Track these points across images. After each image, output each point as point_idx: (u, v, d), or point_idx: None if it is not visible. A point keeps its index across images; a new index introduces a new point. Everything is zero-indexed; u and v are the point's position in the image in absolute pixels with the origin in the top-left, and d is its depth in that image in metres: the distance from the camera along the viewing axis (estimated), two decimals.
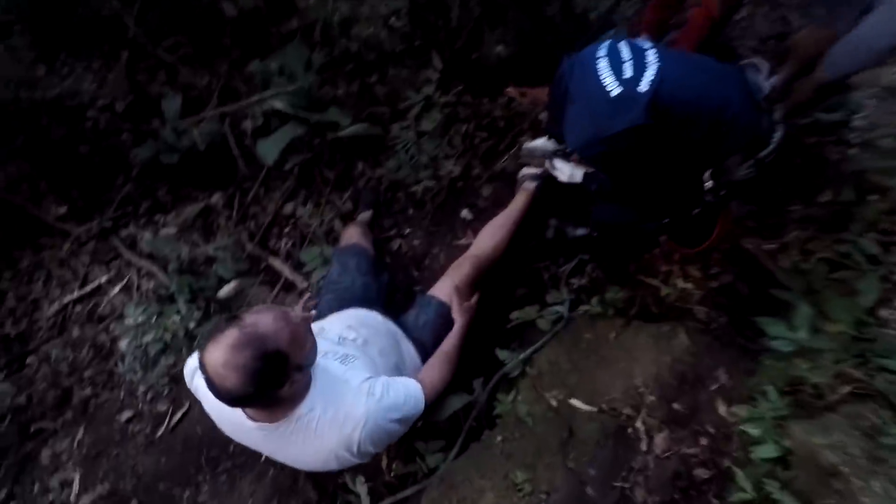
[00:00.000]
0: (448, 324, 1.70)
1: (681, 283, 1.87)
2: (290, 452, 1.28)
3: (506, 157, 2.27)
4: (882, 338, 1.36)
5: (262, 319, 1.12)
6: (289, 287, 2.28)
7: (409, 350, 1.64)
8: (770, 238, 1.91)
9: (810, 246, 1.83)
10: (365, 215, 2.28)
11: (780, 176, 1.99)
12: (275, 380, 1.14)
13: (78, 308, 2.62)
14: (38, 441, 2.04)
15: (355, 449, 1.22)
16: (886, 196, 1.71)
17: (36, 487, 1.86)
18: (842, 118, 2.01)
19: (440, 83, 2.35)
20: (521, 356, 1.56)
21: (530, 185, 2.05)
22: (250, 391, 1.10)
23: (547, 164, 1.89)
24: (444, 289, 1.78)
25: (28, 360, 2.42)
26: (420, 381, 1.38)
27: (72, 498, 1.79)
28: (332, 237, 2.36)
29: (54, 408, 2.12)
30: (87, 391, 2.14)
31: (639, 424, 1.31)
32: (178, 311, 2.21)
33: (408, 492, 1.37)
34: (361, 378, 1.29)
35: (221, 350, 1.07)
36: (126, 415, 1.96)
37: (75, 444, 1.96)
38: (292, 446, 1.24)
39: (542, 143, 2.06)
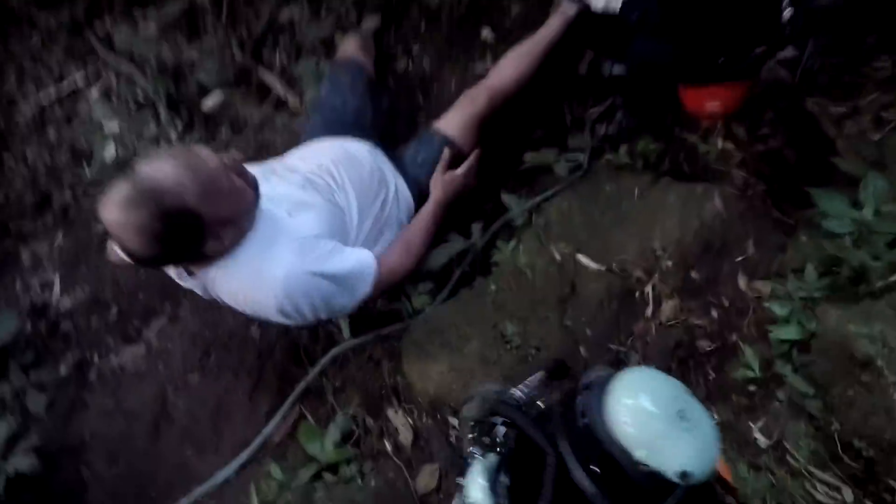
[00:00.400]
0: (452, 164, 1.50)
1: (721, 143, 1.64)
2: (226, 300, 1.15)
3: None
4: None
5: (160, 171, 0.94)
6: (279, 105, 2.03)
7: (403, 190, 1.47)
8: (841, 100, 1.62)
9: (888, 114, 1.56)
10: (370, 22, 1.94)
11: (870, 22, 1.63)
12: (187, 239, 0.98)
13: (56, 110, 2.41)
14: (17, 240, 1.98)
15: (283, 310, 1.09)
16: None
17: (18, 285, 1.85)
18: None
19: None
20: (530, 203, 1.39)
21: (570, 9, 1.70)
22: (157, 253, 0.97)
23: None
24: (451, 122, 1.54)
25: (5, 159, 2.28)
26: (378, 258, 1.22)
27: (52, 300, 1.77)
28: (331, 51, 2.05)
29: (33, 210, 2.04)
30: (67, 197, 2.03)
31: (648, 289, 1.19)
32: (158, 120, 2.00)
33: (389, 329, 1.30)
34: (304, 234, 1.13)
35: (115, 209, 0.92)
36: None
37: (55, 248, 1.91)
38: (224, 295, 1.13)
39: None
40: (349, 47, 1.76)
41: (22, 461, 1.39)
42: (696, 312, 1.18)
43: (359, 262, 1.17)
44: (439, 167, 1.45)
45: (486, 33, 1.81)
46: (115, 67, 2.28)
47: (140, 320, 1.68)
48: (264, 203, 1.11)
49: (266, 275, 1.06)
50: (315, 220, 1.17)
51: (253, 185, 1.07)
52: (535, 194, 1.45)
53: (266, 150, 1.82)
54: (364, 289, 1.17)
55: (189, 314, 1.60)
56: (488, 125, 1.58)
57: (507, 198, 1.41)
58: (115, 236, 0.95)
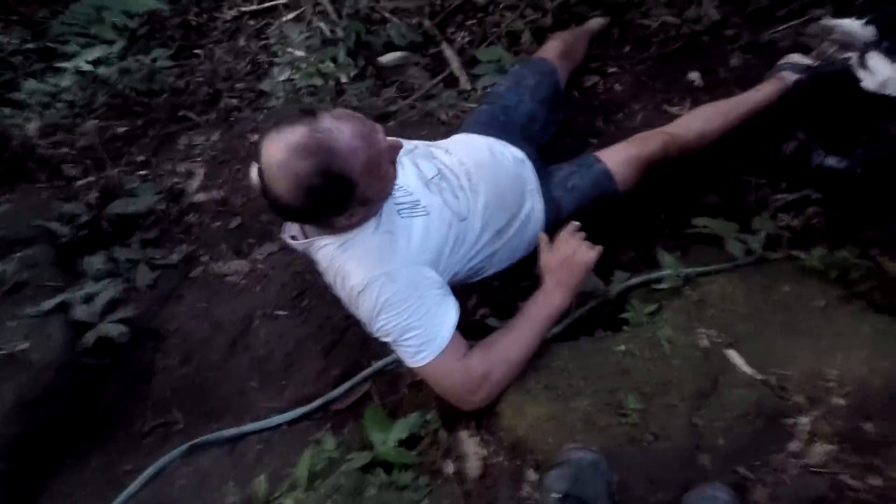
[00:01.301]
0: (601, 200, 1.38)
1: None
2: (322, 269, 1.11)
3: (782, 28, 1.66)
4: None
5: (341, 129, 0.90)
6: (451, 82, 2.00)
7: (537, 211, 1.33)
8: None
9: None
10: (595, 22, 1.83)
11: None
12: (332, 204, 0.94)
13: (251, 22, 2.56)
14: (181, 126, 2.11)
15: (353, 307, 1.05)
16: None
17: (168, 166, 1.96)
18: None
19: None
20: (688, 270, 1.22)
21: (789, 77, 1.51)
22: (298, 206, 0.92)
23: (853, 60, 1.37)
24: (616, 156, 1.40)
25: (196, 52, 2.46)
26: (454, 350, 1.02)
27: (191, 188, 1.86)
28: (515, 47, 1.99)
29: (203, 104, 2.17)
30: (235, 101, 2.14)
31: (804, 420, 0.98)
32: (336, 59, 2.04)
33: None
34: (411, 250, 1.05)
35: (282, 147, 0.88)
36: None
37: (209, 144, 2.01)
38: (323, 264, 1.08)
39: (853, 25, 1.45)
40: (552, 48, 1.66)
41: (114, 328, 1.45)
42: (855, 471, 0.96)
43: (426, 334, 1.00)
44: (542, 247, 1.18)
45: (695, 76, 1.64)
46: None
47: (255, 238, 1.72)
48: None
49: (352, 276, 1.02)
50: (422, 230, 1.08)
51: (395, 175, 1.03)
52: (692, 265, 1.27)
53: (427, 120, 1.79)
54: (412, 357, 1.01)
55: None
56: (655, 173, 1.43)
57: (664, 257, 1.25)
58: (269, 173, 0.90)
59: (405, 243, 1.05)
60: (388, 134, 0.99)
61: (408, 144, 1.24)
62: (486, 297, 1.42)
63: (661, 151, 1.40)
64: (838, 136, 1.49)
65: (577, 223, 1.19)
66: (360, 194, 0.94)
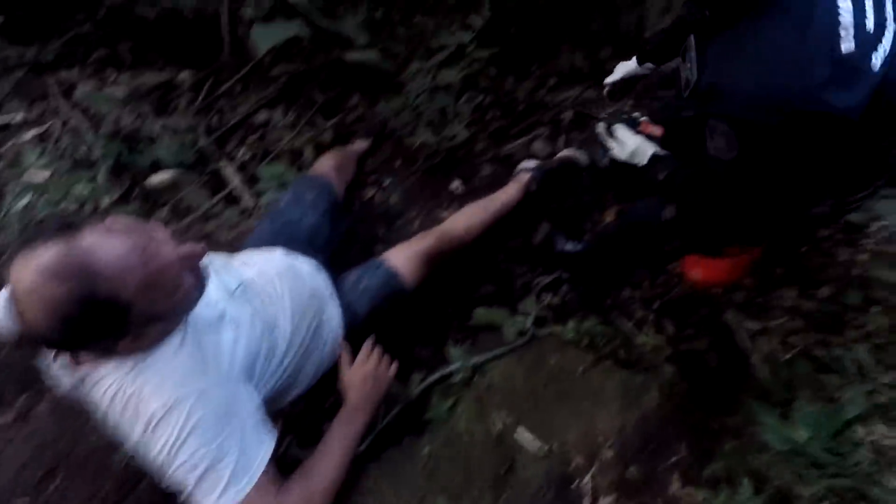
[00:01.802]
0: (391, 298, 1.46)
1: (652, 335, 1.72)
2: (103, 405, 0.91)
3: (517, 143, 2.05)
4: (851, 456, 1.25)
5: (107, 246, 0.78)
6: (232, 200, 1.96)
7: (334, 316, 1.36)
8: (754, 318, 1.79)
9: (793, 339, 1.72)
10: (360, 144, 1.99)
11: (782, 258, 1.87)
12: (101, 332, 0.81)
13: None
14: None
15: (143, 440, 0.88)
16: (890, 313, 1.62)
17: None
18: (862, 221, 1.91)
19: (479, 35, 2.08)
20: (474, 360, 1.34)
21: (524, 177, 1.85)
22: (55, 336, 0.78)
23: (600, 131, 1.37)
24: (398, 255, 1.52)
25: None
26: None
27: None
28: (297, 163, 2.07)
29: None
30: None
31: (587, 480, 1.12)
32: (94, 181, 1.84)
33: None
34: (220, 365, 0.96)
35: (32, 270, 0.75)
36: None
37: None
38: (105, 399, 0.90)
39: (630, 65, 1.56)
40: (325, 165, 1.77)
41: None
42: None
43: (241, 465, 0.88)
44: (342, 363, 1.23)
45: (456, 184, 1.91)
46: (66, 116, 2.16)
47: None
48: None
49: (151, 402, 0.86)
50: (232, 343, 1.01)
51: (201, 285, 0.94)
52: (481, 352, 1.41)
53: (207, 243, 1.69)
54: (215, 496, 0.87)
55: (45, 416, 1.31)
56: (437, 268, 1.58)
57: (452, 351, 1.36)
58: (17, 296, 0.76)
59: (216, 359, 0.96)
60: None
61: (205, 259, 1.17)
62: (290, 424, 1.34)
63: (437, 245, 1.57)
64: (575, 224, 1.85)
65: (372, 339, 1.23)
66: (141, 314, 0.82)
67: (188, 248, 0.89)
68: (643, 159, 1.24)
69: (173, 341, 0.92)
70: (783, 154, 0.88)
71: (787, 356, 1.64)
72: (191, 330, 0.96)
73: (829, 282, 1.78)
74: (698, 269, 1.60)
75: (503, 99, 2.16)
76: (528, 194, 1.81)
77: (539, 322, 1.58)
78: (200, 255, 0.91)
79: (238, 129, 2.30)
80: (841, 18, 0.78)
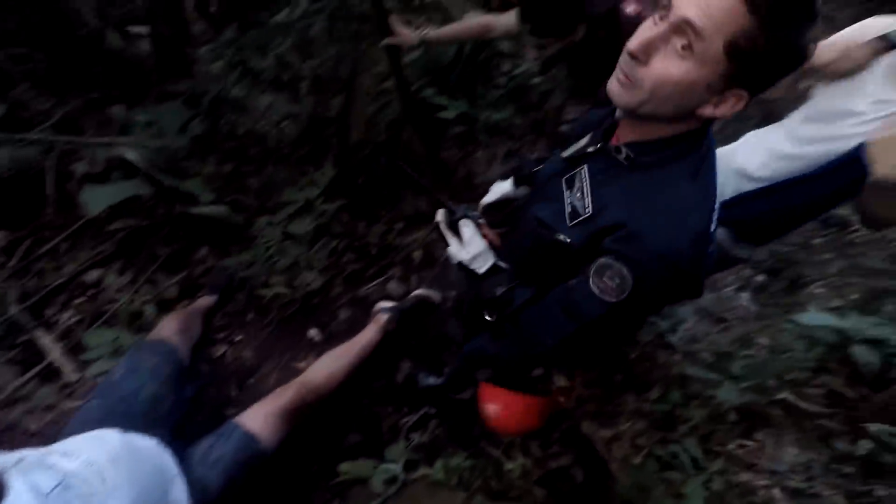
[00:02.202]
0: (249, 464, 1.34)
1: (521, 459, 1.77)
2: None
3: (372, 285, 2.13)
4: None
5: None
6: (50, 375, 1.71)
7: (180, 498, 1.20)
8: (607, 426, 1.94)
9: (640, 440, 1.89)
10: (206, 300, 1.89)
11: (618, 366, 2.10)
12: None
13: None
14: None
15: None
16: (705, 404, 1.87)
17: None
18: (670, 326, 2.26)
19: (326, 191, 2.22)
20: None
21: (382, 317, 1.90)
22: None
23: (441, 220, 1.20)
24: (255, 416, 1.42)
25: None
26: None
27: None
28: (136, 325, 1.91)
29: None
30: None
31: None
32: None
33: None
34: None
35: None
36: None
37: None
38: None
39: (505, 187, 1.29)
40: (167, 328, 1.64)
41: None
42: None
43: None
44: None
45: (314, 333, 1.89)
46: None
47: None
48: None
49: None
50: None
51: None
52: None
53: (8, 435, 1.43)
54: None
55: None
56: (298, 423, 1.50)
57: None
58: None
59: None
60: None
61: (9, 457, 0.97)
62: None
63: (298, 398, 1.49)
64: (435, 358, 1.91)
65: None
66: None
67: None
68: (482, 267, 1.12)
69: None
70: (656, 300, 0.94)
71: (638, 459, 1.78)
72: None
73: (656, 382, 2.02)
74: (496, 405, 1.53)
75: (356, 244, 2.28)
76: (386, 334, 1.85)
77: (409, 466, 1.54)
78: None
79: (61, 293, 2.08)
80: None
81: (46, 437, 1.41)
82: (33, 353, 1.78)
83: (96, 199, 1.93)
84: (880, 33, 1.40)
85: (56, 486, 0.98)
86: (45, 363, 1.74)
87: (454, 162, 2.46)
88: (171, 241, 2.25)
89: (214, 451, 1.34)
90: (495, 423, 1.56)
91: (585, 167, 0.95)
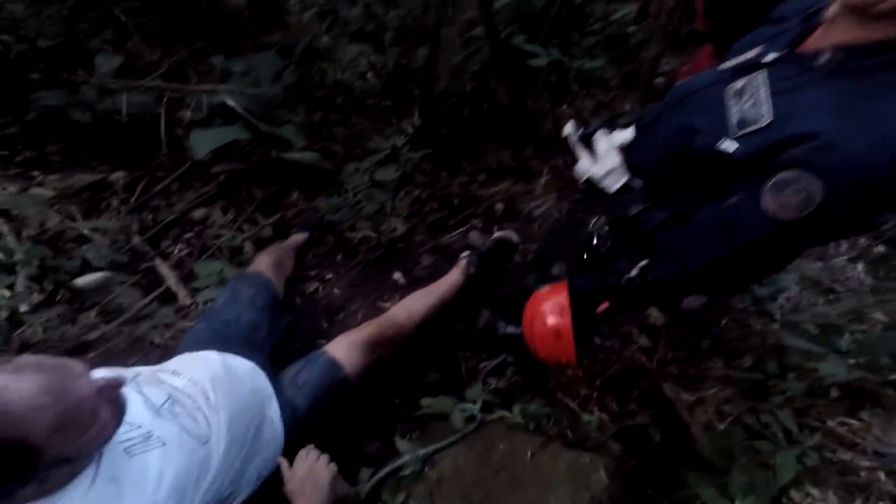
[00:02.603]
0: (333, 390, 1.42)
1: (597, 413, 1.76)
2: None
3: (454, 234, 2.15)
4: None
5: (16, 387, 0.74)
6: (167, 298, 1.90)
7: (275, 416, 1.31)
8: (690, 389, 1.88)
9: (727, 408, 1.81)
10: (298, 237, 2.00)
11: (706, 331, 2.01)
12: (4, 478, 0.75)
13: None
14: None
15: None
16: (805, 377, 1.75)
17: None
18: (770, 294, 2.11)
19: (412, 139, 2.23)
20: (423, 452, 1.31)
21: (464, 262, 1.91)
22: None
23: (570, 133, 1.13)
24: (339, 345, 1.50)
25: None
26: None
27: None
28: (237, 260, 2.05)
29: None
30: None
31: None
32: (12, 287, 1.74)
33: None
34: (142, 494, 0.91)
35: None
36: None
37: None
38: None
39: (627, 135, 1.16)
40: (262, 262, 1.76)
41: None
42: None
43: None
44: (283, 471, 1.18)
45: (398, 276, 1.95)
46: None
47: None
48: None
49: None
50: (159, 465, 0.94)
51: (119, 415, 0.88)
52: (428, 441, 1.38)
53: (138, 346, 1.61)
54: None
55: None
56: (380, 356, 1.57)
57: (401, 444, 1.32)
58: None
59: (137, 490, 0.88)
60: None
61: (128, 373, 1.10)
62: None
63: (378, 332, 1.56)
64: (513, 307, 1.91)
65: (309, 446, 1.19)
66: (51, 457, 0.76)
67: (108, 378, 0.86)
68: (614, 184, 1.04)
69: (83, 481, 0.84)
70: (837, 224, 0.82)
71: (723, 426, 1.72)
72: (105, 463, 0.88)
73: (749, 351, 1.92)
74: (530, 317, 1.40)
75: (438, 193, 2.29)
76: (468, 279, 1.87)
77: (486, 407, 1.57)
78: (119, 386, 0.88)
79: (174, 227, 2.27)
80: None
81: (168, 349, 1.58)
82: (154, 279, 1.97)
83: (202, 143, 2.07)
84: None
85: (166, 401, 1.09)
86: (163, 287, 1.93)
87: (541, 113, 2.38)
88: (266, 184, 2.38)
89: (302, 375, 1.43)
90: (526, 332, 1.45)
91: (762, 74, 0.86)
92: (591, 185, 1.08)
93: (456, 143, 2.42)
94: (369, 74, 2.75)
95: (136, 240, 2.10)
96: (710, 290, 1.10)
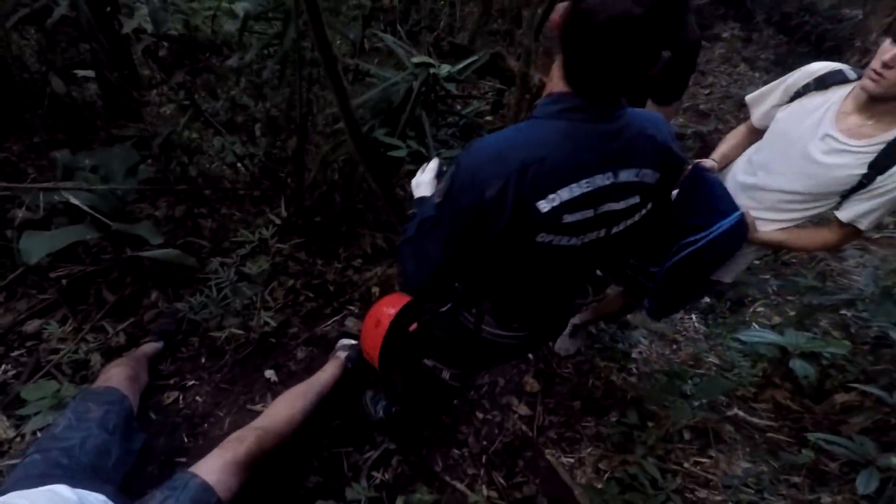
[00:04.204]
0: None
1: (485, 491, 1.76)
2: None
3: (330, 322, 2.11)
4: None
5: None
6: None
7: None
8: (568, 451, 1.96)
9: (602, 465, 1.91)
10: (151, 347, 1.82)
11: (577, 392, 2.14)
12: None
13: None
14: None
15: None
16: (661, 424, 1.92)
17: None
18: (624, 349, 2.33)
19: (280, 230, 2.21)
20: None
21: (342, 355, 1.87)
22: None
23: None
24: (211, 465, 1.34)
25: None
26: None
27: None
28: (80, 375, 1.82)
29: None
30: None
31: None
32: None
33: None
34: None
35: None
36: None
37: None
38: None
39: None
40: (115, 375, 1.57)
41: None
42: None
43: None
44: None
45: (270, 374, 1.85)
46: None
47: None
48: None
49: None
50: None
51: None
52: None
53: None
54: None
55: None
56: (258, 469, 1.45)
57: None
58: None
59: None
60: None
61: None
62: None
63: (257, 446, 1.42)
64: (391, 390, 1.88)
65: None
66: None
67: None
68: (423, 190, 1.23)
69: None
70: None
71: (601, 484, 1.81)
72: None
73: (614, 406, 2.07)
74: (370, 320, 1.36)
75: (314, 282, 2.26)
76: (346, 371, 1.83)
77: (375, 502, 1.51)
78: None
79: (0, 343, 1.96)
80: None
81: None
82: None
83: (35, 247, 1.85)
84: None
85: None
86: None
87: (407, 199, 2.50)
88: (118, 286, 2.18)
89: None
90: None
91: None
92: None
93: (330, 230, 2.44)
94: (240, 165, 2.71)
95: None
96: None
